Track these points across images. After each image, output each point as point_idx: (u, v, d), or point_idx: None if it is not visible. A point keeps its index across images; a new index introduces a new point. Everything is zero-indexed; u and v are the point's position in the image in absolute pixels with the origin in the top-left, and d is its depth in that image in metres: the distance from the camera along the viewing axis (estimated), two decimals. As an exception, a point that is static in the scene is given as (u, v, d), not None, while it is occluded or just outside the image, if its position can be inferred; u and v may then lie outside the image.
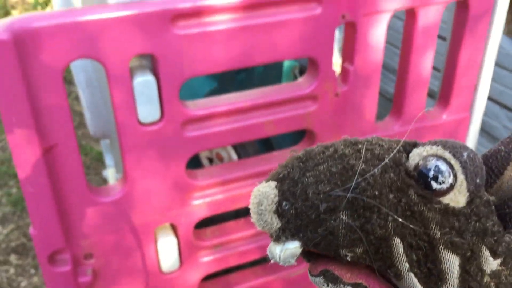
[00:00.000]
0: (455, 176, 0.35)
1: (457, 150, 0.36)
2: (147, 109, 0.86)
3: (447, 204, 0.35)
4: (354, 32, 0.95)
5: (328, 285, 0.36)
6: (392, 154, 0.37)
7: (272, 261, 0.36)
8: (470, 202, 0.36)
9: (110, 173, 1.44)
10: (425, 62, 1.04)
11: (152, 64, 0.87)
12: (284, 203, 0.35)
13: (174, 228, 1.02)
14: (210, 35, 0.85)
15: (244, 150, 1.13)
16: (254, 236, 1.10)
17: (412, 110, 1.10)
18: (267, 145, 1.25)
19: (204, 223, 1.06)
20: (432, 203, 0.35)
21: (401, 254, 0.35)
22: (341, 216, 0.34)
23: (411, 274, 0.35)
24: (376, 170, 0.35)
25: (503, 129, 1.76)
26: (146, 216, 0.96)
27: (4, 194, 2.28)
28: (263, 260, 1.19)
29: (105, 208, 0.91)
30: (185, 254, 1.04)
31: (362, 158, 0.36)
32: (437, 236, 0.35)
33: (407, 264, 0.35)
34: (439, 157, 0.35)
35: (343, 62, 1.01)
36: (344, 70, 1.01)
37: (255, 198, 0.35)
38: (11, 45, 0.70)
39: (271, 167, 1.02)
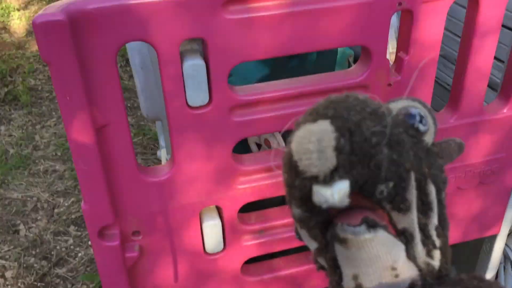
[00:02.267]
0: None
1: (421, 101, 0.43)
2: (196, 92, 0.88)
3: (427, 144, 0.41)
4: (411, 20, 0.91)
5: (369, 231, 0.38)
6: (400, 103, 0.42)
7: (324, 205, 0.37)
8: (433, 142, 0.42)
9: (163, 154, 1.47)
10: (486, 53, 0.99)
11: (202, 48, 0.88)
12: (341, 139, 0.36)
13: (219, 210, 1.03)
14: (260, 20, 0.85)
15: (292, 137, 1.12)
16: (298, 223, 1.10)
17: (470, 103, 1.05)
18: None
19: (250, 208, 1.07)
20: (422, 143, 0.40)
21: (412, 187, 0.39)
22: (384, 150, 0.37)
23: (414, 206, 0.40)
24: (393, 112, 0.40)
25: None
26: (192, 198, 0.98)
27: (67, 169, 2.40)
28: (307, 248, 1.18)
29: (152, 188, 0.94)
30: (229, 237, 1.05)
31: (377, 104, 0.40)
32: (426, 171, 0.39)
33: (414, 198, 0.40)
34: (414, 107, 0.41)
35: (398, 51, 0.98)
36: (398, 60, 0.97)
37: (313, 136, 0.36)
38: (66, 25, 0.73)
39: (318, 156, 1.01)
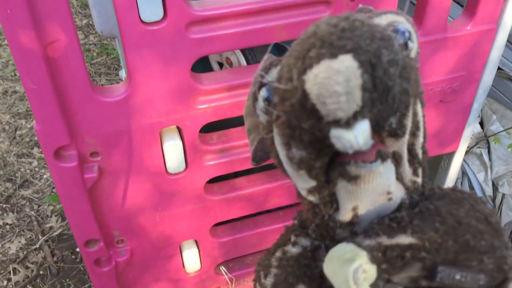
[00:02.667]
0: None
1: (404, 14, 0.39)
2: (150, 7, 0.83)
3: (415, 62, 0.39)
4: None
5: (383, 164, 0.37)
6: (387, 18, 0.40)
7: (350, 151, 0.34)
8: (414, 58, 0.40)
9: (124, 74, 1.43)
10: (452, -33, 0.96)
11: (155, -41, 0.82)
12: (366, 75, 0.33)
13: (180, 131, 1.02)
14: None
15: (253, 56, 1.10)
16: (260, 143, 1.10)
17: (435, 19, 1.03)
18: (280, 51, 1.21)
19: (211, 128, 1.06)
20: (412, 61, 0.38)
21: (410, 112, 0.38)
22: (397, 80, 0.35)
23: (408, 129, 0.39)
24: (394, 35, 0.37)
25: (537, 45, 1.66)
26: (151, 118, 0.96)
27: (27, 90, 2.32)
28: (270, 167, 1.20)
29: (109, 108, 0.91)
30: (190, 157, 1.05)
31: (379, 25, 0.37)
32: (415, 90, 0.37)
33: (409, 122, 0.39)
34: (401, 23, 0.39)
35: (362, -37, 0.94)
36: (362, -27, 0.94)
37: (340, 76, 0.32)
38: None
39: (280, 74, 0.99)
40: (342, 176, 0.38)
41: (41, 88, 0.81)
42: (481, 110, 1.77)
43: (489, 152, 1.74)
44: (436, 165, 1.44)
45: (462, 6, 1.71)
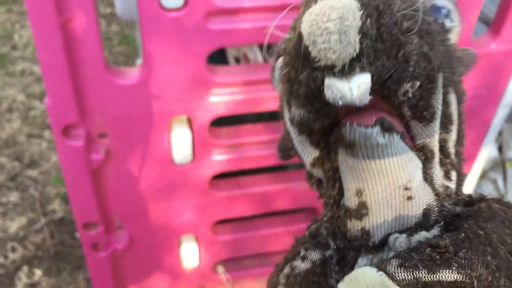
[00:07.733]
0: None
1: None
2: (171, -8, 0.83)
3: (451, 43, 0.34)
4: None
5: (383, 135, 0.33)
6: None
7: (339, 102, 0.30)
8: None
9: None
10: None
11: None
12: (368, 20, 0.30)
13: (190, 122, 1.01)
14: None
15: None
16: (270, 142, 1.09)
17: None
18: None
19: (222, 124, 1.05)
20: (448, 42, 0.34)
21: (439, 92, 0.34)
22: (415, 40, 0.31)
23: (438, 116, 0.34)
24: None
25: (561, 73, 1.62)
26: (162, 105, 0.95)
27: (45, 72, 2.33)
28: (277, 168, 1.18)
29: (121, 91, 0.91)
30: (198, 150, 1.04)
31: None
32: (446, 77, 0.33)
33: (439, 105, 0.34)
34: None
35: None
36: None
37: (334, 13, 0.29)
38: None
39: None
40: (339, 142, 0.34)
41: (55, 61, 0.81)
42: (501, 135, 1.74)
43: (504, 179, 1.71)
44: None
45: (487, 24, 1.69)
